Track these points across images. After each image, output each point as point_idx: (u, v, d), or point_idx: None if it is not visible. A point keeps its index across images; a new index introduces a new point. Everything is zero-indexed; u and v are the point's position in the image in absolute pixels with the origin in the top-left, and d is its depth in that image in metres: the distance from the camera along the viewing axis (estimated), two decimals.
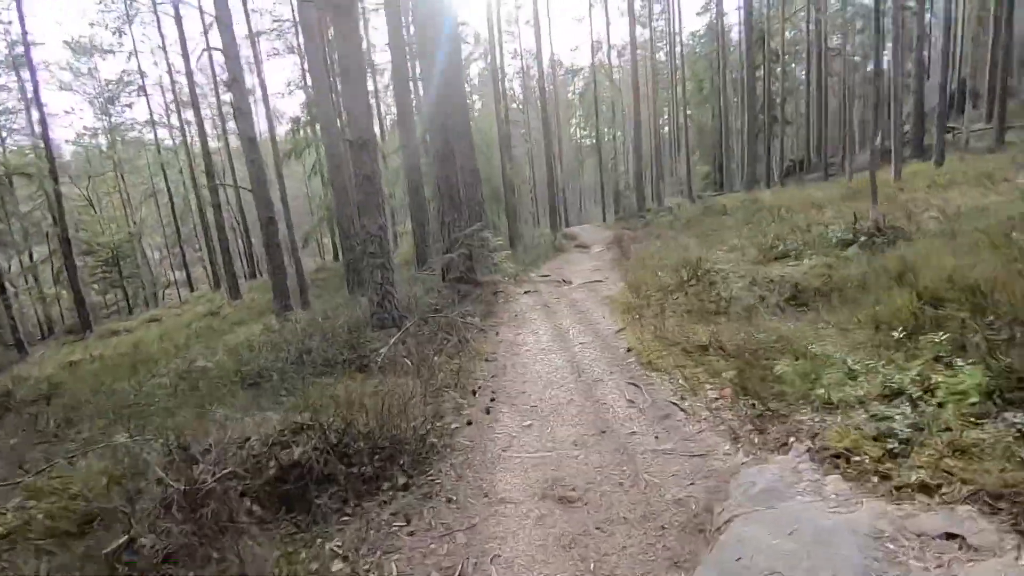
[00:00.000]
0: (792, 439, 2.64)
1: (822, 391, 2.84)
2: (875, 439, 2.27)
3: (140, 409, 5.38)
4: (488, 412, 4.23)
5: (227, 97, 25.01)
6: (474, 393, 4.66)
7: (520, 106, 41.90)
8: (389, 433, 3.36)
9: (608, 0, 31.61)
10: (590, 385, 4.58)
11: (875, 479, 2.11)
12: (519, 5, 35.35)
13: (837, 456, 2.31)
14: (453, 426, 3.95)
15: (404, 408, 3.62)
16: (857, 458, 2.23)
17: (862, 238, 6.25)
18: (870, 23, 33.26)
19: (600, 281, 9.25)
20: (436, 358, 5.39)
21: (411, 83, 16.76)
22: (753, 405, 3.37)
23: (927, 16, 26.13)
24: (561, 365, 5.18)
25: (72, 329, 24.84)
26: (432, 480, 3.21)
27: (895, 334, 3.00)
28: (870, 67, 36.51)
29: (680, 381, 4.19)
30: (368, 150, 5.74)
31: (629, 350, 5.17)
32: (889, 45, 30.27)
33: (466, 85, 36.77)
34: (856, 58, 34.67)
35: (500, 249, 8.86)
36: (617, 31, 44.88)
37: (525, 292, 8.65)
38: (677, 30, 35.16)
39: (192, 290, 32.84)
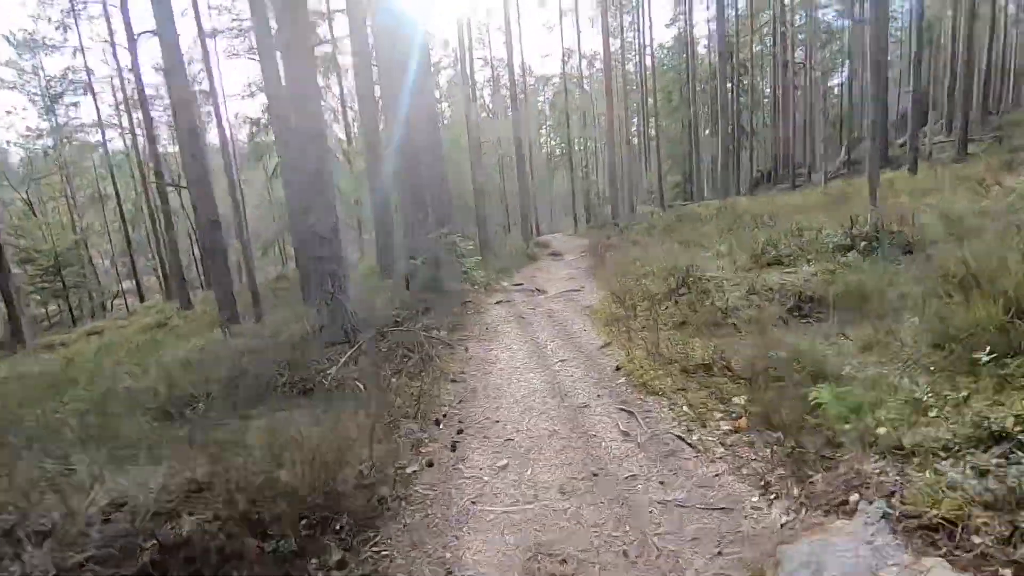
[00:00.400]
0: (855, 496, 2.00)
1: (884, 429, 2.22)
2: (989, 507, 1.65)
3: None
4: (454, 448, 3.48)
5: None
6: (438, 423, 3.91)
7: (491, 114, 41.51)
8: (323, 486, 2.58)
9: (579, 9, 31.58)
10: (575, 412, 3.88)
11: (1006, 573, 1.47)
12: (490, 12, 35.07)
13: (932, 528, 1.68)
14: (410, 469, 3.19)
15: (345, 450, 2.84)
16: (969, 536, 1.60)
17: (862, 243, 5.78)
18: (833, 39, 34.25)
19: (578, 290, 8.62)
20: (394, 379, 4.62)
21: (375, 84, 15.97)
22: (781, 442, 2.73)
23: (890, 31, 26.71)
24: (540, 387, 4.48)
25: (2, 344, 22.85)
26: (378, 552, 2.44)
27: (978, 355, 2.40)
28: (832, 81, 37.67)
29: (683, 407, 3.54)
30: (317, 142, 4.97)
31: (618, 369, 4.51)
32: (850, 60, 31.10)
33: (436, 92, 36.14)
34: (818, 72, 35.52)
35: (470, 255, 8.13)
36: (588, 40, 45.04)
37: (497, 302, 7.93)
38: (647, 42, 35.36)
39: (142, 300, 30.89)
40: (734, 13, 32.14)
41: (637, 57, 36.09)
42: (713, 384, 3.68)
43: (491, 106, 42.57)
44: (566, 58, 30.23)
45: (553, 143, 47.03)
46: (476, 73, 39.81)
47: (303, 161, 5.02)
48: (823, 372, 3.15)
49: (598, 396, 4.09)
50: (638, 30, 35.89)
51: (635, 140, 42.79)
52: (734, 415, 3.25)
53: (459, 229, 11.40)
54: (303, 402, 4.31)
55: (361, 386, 4.38)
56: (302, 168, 5.07)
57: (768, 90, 34.45)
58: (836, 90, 38.24)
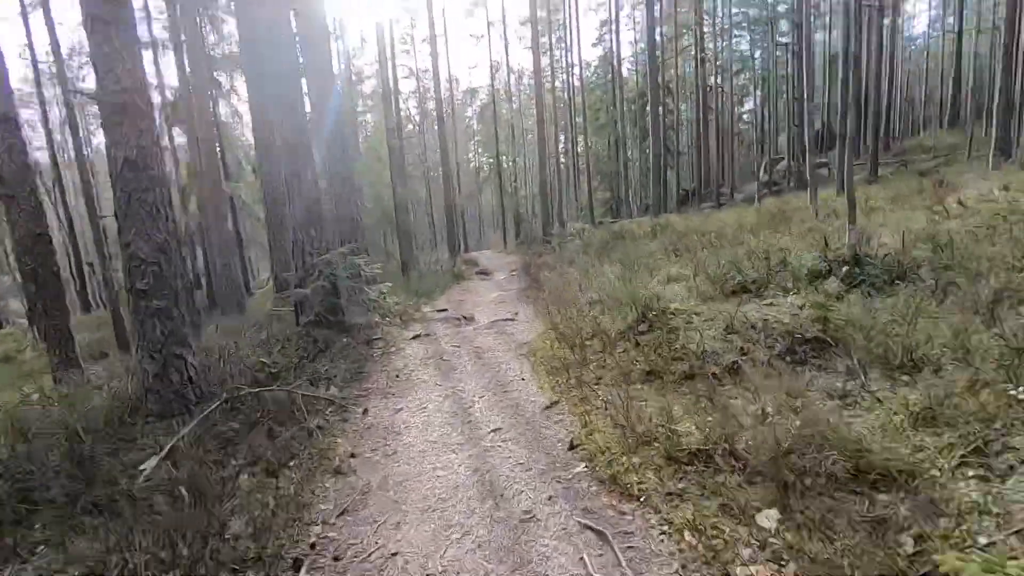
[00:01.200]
0: None
1: None
2: None
3: None
4: None
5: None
6: (298, 567, 2.42)
7: (416, 127, 39.95)
8: None
9: (506, 21, 31.01)
10: (516, 531, 2.55)
11: None
12: (415, 21, 33.75)
13: None
14: None
15: None
16: None
17: (842, 268, 4.94)
18: (745, 66, 35.96)
19: (511, 319, 7.34)
20: (243, 477, 3.07)
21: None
22: None
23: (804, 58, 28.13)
24: (464, 479, 3.10)
25: None
26: None
27: None
28: (747, 106, 39.60)
29: (683, 534, 2.30)
30: (135, 117, 3.38)
31: (573, 447, 3.23)
32: (763, 85, 32.72)
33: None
34: (736, 97, 37.21)
35: (379, 280, 6.64)
36: (516, 54, 44.79)
37: (414, 337, 6.47)
38: (575, 60, 35.47)
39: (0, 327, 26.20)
40: (658, 32, 32.91)
41: (565, 75, 36.11)
42: (720, 487, 2.48)
43: (417, 118, 41.10)
44: (494, 70, 29.42)
45: (482, 158, 46.14)
46: (401, 83, 38.31)
47: (115, 145, 3.41)
48: (880, 463, 2.04)
49: (549, 498, 2.77)
50: (566, 48, 35.97)
51: (561, 160, 42.81)
52: (771, 552, 2.04)
53: (370, 246, 9.81)
54: (87, 527, 2.68)
55: (185, 493, 2.81)
56: (112, 157, 3.45)
57: (691, 113, 35.49)
58: (746, 116, 40.36)
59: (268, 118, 7.78)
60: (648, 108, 33.53)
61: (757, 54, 37.71)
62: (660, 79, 32.33)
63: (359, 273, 5.57)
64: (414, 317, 7.70)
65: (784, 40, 26.93)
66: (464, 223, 36.50)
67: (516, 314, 8.09)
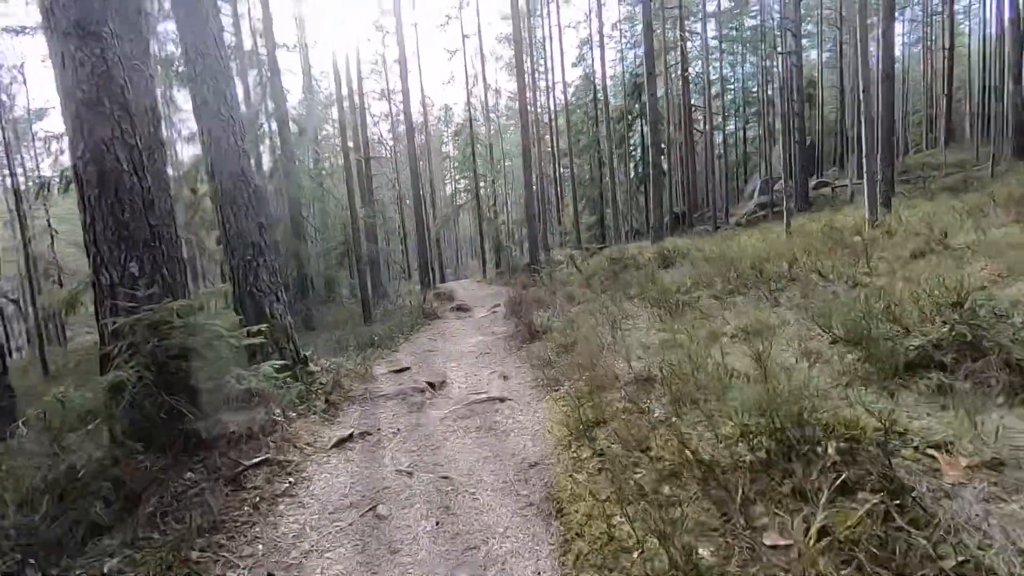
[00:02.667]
0: None
1: None
2: None
3: None
4: None
5: None
6: None
7: (389, 151, 37.67)
8: None
9: (482, 37, 29.19)
10: None
11: None
12: (386, 43, 31.74)
13: None
14: None
15: None
16: None
17: None
18: (726, 89, 34.80)
19: (502, 400, 4.76)
20: None
21: None
22: None
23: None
24: None
25: None
26: None
27: None
28: (729, 128, 38.39)
29: None
30: None
31: None
32: (744, 107, 31.46)
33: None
34: (719, 118, 36.00)
35: (266, 353, 4.03)
36: (492, 73, 43.04)
37: (338, 443, 3.85)
38: (556, 80, 33.92)
39: None
40: (641, 52, 31.55)
41: (545, 96, 34.47)
42: None
43: (390, 142, 38.87)
44: (471, 84, 27.43)
45: (460, 184, 43.90)
46: (375, 105, 36.12)
47: None
48: None
49: None
50: (546, 68, 34.41)
51: (536, 185, 40.87)
52: None
53: (315, 276, 7.37)
54: None
55: None
56: None
57: (677, 135, 34.01)
58: (730, 138, 39.21)
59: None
60: (635, 126, 31.98)
61: (745, 70, 36.88)
62: (644, 97, 30.86)
63: (213, 345, 2.97)
64: (351, 393, 5.06)
65: (770, 63, 25.54)
66: (440, 251, 34.01)
67: (506, 379, 5.55)
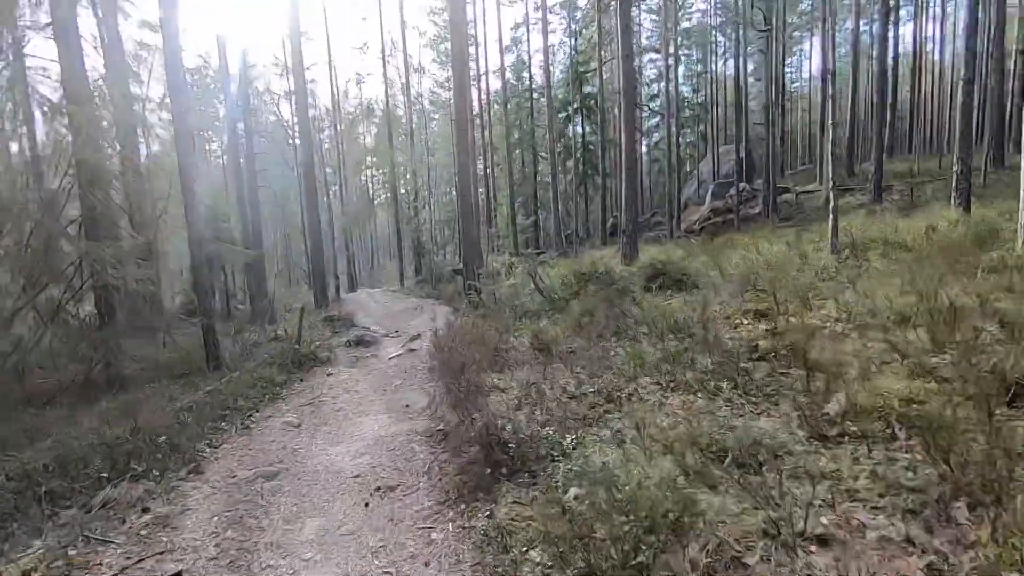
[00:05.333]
0: None
1: None
2: None
3: None
4: None
5: None
6: None
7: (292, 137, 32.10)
8: None
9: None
10: None
11: None
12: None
13: None
14: None
15: None
16: None
17: None
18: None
19: None
20: None
21: None
22: None
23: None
24: None
25: None
26: None
27: None
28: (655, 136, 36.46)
29: None
30: None
31: None
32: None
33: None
34: (652, 121, 34.06)
35: None
36: (415, 49, 38.45)
37: None
38: (490, 67, 30.22)
39: None
40: (576, 43, 28.69)
41: (477, 82, 30.65)
42: None
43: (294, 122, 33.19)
44: (387, 54, 23.01)
45: (376, 180, 38.77)
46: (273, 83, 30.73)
47: None
48: None
49: None
50: (477, 54, 30.60)
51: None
52: None
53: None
54: None
55: None
56: None
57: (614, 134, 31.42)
58: (663, 143, 37.51)
59: None
60: (575, 120, 28.98)
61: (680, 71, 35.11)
62: (581, 88, 28.01)
63: None
64: None
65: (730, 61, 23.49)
66: (350, 253, 29.07)
67: None
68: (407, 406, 4.98)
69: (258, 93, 28.14)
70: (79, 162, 7.10)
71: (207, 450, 4.06)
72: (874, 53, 22.45)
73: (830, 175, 8.27)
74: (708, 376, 3.53)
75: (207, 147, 31.22)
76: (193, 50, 34.04)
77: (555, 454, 2.99)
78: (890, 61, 19.33)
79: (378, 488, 3.30)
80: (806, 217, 16.90)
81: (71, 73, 7.19)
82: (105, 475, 3.34)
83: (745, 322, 5.03)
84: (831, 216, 7.78)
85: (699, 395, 3.32)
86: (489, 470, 2.99)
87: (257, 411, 5.12)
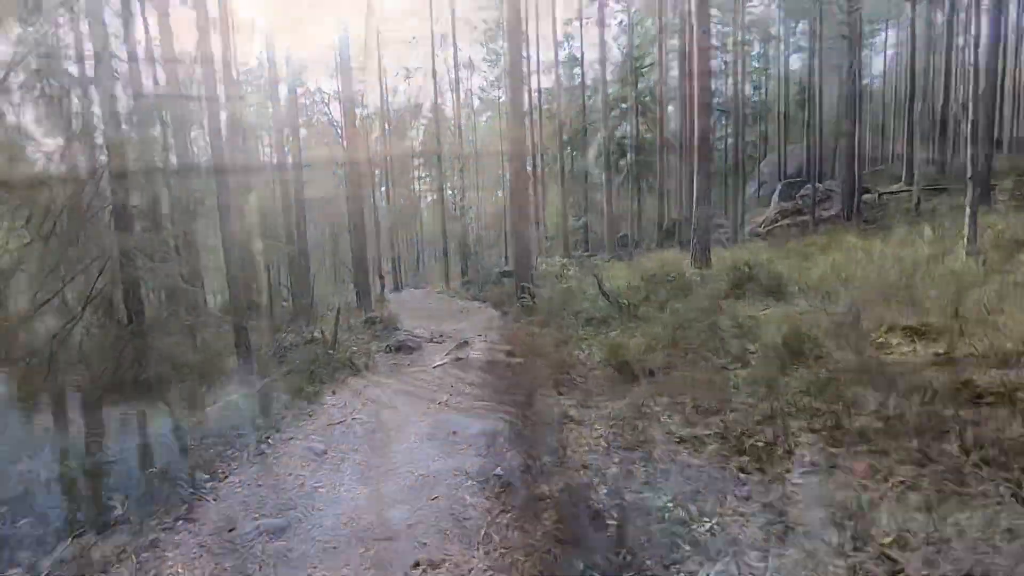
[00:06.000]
0: None
1: None
2: None
3: None
4: None
5: None
6: None
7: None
8: None
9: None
10: None
11: None
12: None
13: None
14: None
15: None
16: None
17: None
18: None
19: None
20: None
21: None
22: None
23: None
24: None
25: None
26: None
27: None
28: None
29: None
30: None
31: None
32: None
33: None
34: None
35: None
36: (464, 38, 37.89)
37: None
38: (536, 67, 29.24)
39: None
40: (630, 40, 27.33)
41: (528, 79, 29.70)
42: None
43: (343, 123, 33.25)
44: (438, 50, 22.47)
45: (423, 180, 38.38)
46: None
47: None
48: None
49: None
50: (526, 52, 29.66)
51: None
52: None
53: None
54: None
55: None
56: None
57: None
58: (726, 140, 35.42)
59: None
60: (631, 122, 27.62)
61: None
62: (637, 84, 26.59)
63: None
64: None
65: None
66: (397, 253, 28.72)
67: None
68: (454, 432, 4.04)
69: (309, 93, 28.20)
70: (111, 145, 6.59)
71: (207, 485, 3.24)
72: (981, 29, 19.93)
73: (968, 164, 6.81)
74: (896, 424, 2.40)
75: (258, 145, 31.61)
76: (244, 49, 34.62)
77: (684, 545, 1.95)
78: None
79: (416, 564, 2.35)
80: (894, 220, 15.02)
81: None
82: (62, 526, 2.53)
83: (894, 342, 3.83)
84: (968, 212, 6.36)
85: (894, 459, 2.20)
86: (579, 562, 1.98)
87: (277, 431, 4.31)
